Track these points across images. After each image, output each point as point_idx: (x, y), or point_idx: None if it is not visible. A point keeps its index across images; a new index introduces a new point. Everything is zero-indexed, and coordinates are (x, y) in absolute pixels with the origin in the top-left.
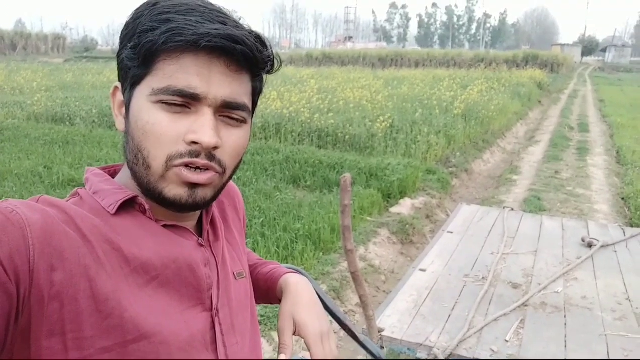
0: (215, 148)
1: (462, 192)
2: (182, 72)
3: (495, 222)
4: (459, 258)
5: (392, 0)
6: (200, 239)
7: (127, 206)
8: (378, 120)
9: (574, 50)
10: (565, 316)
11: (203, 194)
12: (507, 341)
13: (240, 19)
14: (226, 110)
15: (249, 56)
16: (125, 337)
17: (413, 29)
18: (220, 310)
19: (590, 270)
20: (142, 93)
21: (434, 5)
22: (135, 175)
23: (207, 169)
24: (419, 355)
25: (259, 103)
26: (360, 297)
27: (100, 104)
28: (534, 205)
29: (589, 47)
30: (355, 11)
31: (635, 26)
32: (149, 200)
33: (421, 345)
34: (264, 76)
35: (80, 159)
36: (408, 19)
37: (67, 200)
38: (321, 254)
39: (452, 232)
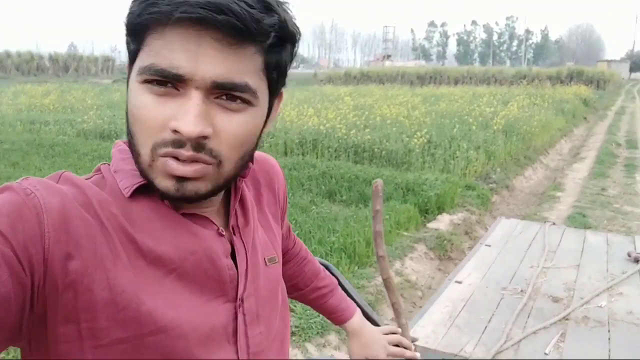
0: (204, 137)
1: (502, 209)
2: (167, 49)
3: (535, 235)
4: (496, 271)
5: (430, 19)
6: (220, 228)
7: (145, 190)
8: (415, 136)
9: (621, 66)
10: (609, 331)
11: (193, 187)
12: (546, 354)
13: None
14: (221, 92)
15: (238, 27)
16: (141, 329)
17: (452, 47)
18: (245, 300)
19: (636, 285)
20: (133, 72)
21: (473, 22)
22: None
23: (195, 161)
24: None
25: (297, 114)
26: (393, 305)
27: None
28: (578, 222)
29: (637, 63)
30: (393, 30)
31: None
32: None
33: (456, 355)
34: (291, 47)
35: None
36: (447, 37)
37: (90, 178)
38: (356, 267)
39: (489, 245)
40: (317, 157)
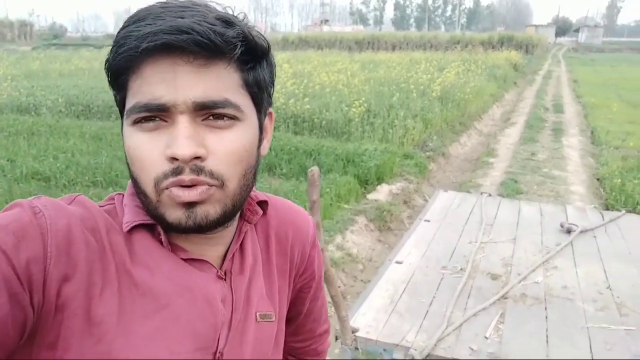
0: (199, 158)
1: (439, 176)
2: (145, 84)
3: (472, 208)
4: (436, 248)
5: None
6: (219, 271)
7: (147, 228)
8: (354, 105)
9: (547, 31)
10: (546, 308)
11: (203, 212)
12: (486, 338)
13: (225, 9)
14: (206, 112)
15: (203, 43)
16: None
17: (389, 12)
18: (225, 354)
19: (570, 257)
20: (124, 119)
21: None
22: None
23: (197, 185)
24: (395, 356)
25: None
26: (332, 298)
27: (67, 93)
28: (510, 188)
29: (562, 28)
30: None
31: (606, 7)
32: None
33: (397, 345)
34: (268, 65)
35: (45, 151)
36: (384, 2)
37: (103, 206)
38: None
39: (429, 221)
40: None
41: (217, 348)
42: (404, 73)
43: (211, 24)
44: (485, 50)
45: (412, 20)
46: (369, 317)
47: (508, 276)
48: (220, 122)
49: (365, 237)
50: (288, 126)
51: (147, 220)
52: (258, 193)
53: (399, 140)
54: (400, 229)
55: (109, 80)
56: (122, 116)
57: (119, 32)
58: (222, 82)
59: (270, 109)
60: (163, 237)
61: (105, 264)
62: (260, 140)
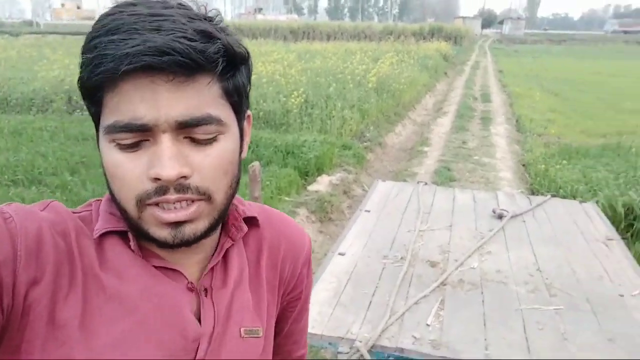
0: (184, 177)
1: (377, 166)
2: (125, 102)
3: (410, 197)
4: (377, 238)
5: None
6: (190, 283)
7: (119, 234)
8: (292, 96)
9: (474, 23)
10: (482, 293)
11: (191, 230)
12: (428, 325)
13: (202, 7)
14: (188, 130)
15: (185, 63)
16: None
17: (323, 1)
18: None
19: (502, 242)
20: (101, 131)
21: None
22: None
23: (185, 202)
24: (340, 349)
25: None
26: None
27: None
28: (444, 175)
29: (487, 20)
30: None
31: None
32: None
33: (343, 338)
34: (245, 68)
35: None
36: None
37: (79, 212)
38: None
39: (369, 211)
40: None
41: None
42: (340, 63)
43: (191, 40)
44: (417, 41)
45: (346, 10)
46: (314, 311)
47: (446, 263)
48: (203, 138)
49: (307, 229)
50: None
51: (118, 227)
52: (248, 207)
53: (337, 131)
54: (340, 220)
55: (81, 94)
56: (96, 128)
57: (89, 42)
58: (202, 97)
59: (249, 111)
60: (133, 245)
61: (73, 268)
62: (241, 147)
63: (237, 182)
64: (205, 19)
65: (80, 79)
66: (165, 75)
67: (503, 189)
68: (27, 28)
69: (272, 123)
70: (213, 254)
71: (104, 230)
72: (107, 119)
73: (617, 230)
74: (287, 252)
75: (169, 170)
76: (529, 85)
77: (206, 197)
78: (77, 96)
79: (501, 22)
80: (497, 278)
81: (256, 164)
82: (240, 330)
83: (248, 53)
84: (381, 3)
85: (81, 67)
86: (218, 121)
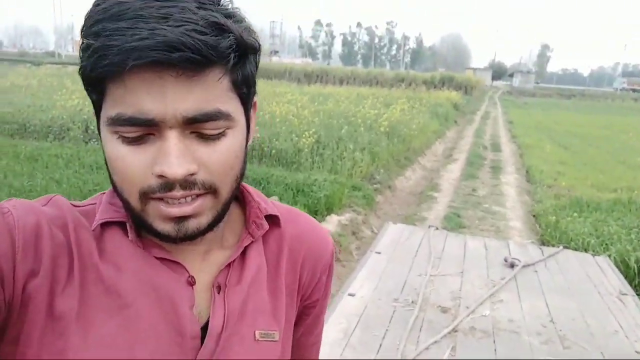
0: (191, 174)
1: (386, 209)
2: (130, 95)
3: (421, 241)
4: (388, 281)
5: (317, 17)
6: (191, 277)
7: (119, 225)
8: (304, 135)
9: (485, 74)
10: (494, 341)
11: (195, 224)
12: None
13: None
14: (196, 126)
15: (195, 59)
16: None
17: (337, 47)
18: None
19: (514, 291)
20: (102, 121)
21: (359, 24)
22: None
23: (190, 197)
24: None
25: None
26: None
27: (1, 110)
28: (454, 222)
29: (498, 72)
30: (280, 26)
31: (537, 55)
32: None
33: None
34: (254, 57)
35: None
36: (333, 37)
37: (84, 206)
38: None
39: (380, 253)
40: None
41: (197, 359)
42: (352, 107)
43: (202, 34)
44: (428, 89)
45: (359, 56)
46: (323, 350)
47: (457, 309)
48: (210, 133)
49: None
50: None
51: (117, 217)
52: (270, 205)
53: (347, 172)
54: (348, 261)
55: (82, 81)
56: (97, 116)
57: (91, 26)
58: (212, 92)
59: (255, 98)
60: (131, 236)
61: (71, 260)
62: (247, 135)
63: (243, 173)
64: (214, 3)
65: (82, 68)
66: (174, 70)
67: (513, 238)
68: (49, 58)
69: (284, 161)
70: (219, 249)
71: (102, 221)
72: (110, 110)
73: (630, 285)
74: (308, 256)
75: (176, 168)
76: (539, 137)
77: (212, 191)
78: (93, 125)
79: (511, 75)
80: (510, 327)
81: (275, 198)
82: (254, 333)
83: (259, 43)
84: (394, 51)
85: (82, 51)
86: (227, 116)
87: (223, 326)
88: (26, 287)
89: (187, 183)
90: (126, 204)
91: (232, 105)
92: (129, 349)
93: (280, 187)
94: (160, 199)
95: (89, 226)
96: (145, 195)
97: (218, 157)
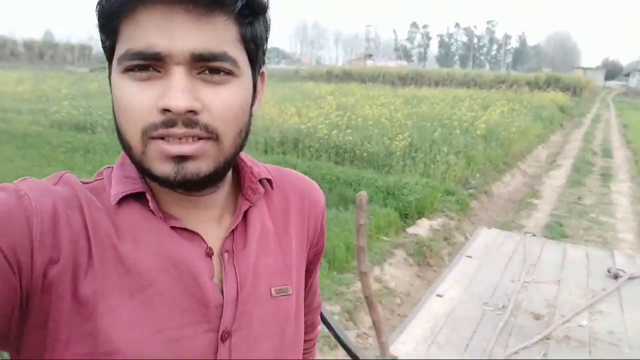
0: (193, 112)
1: (481, 215)
2: (140, 30)
3: (516, 247)
4: (478, 284)
5: (413, 19)
6: (209, 248)
7: (137, 198)
8: (397, 139)
9: (596, 74)
10: (590, 352)
11: (194, 167)
12: None
13: None
14: (202, 65)
15: None
16: (96, 348)
17: (433, 49)
18: (234, 333)
19: (616, 303)
20: (114, 67)
21: (457, 25)
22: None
23: (192, 139)
24: None
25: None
26: (374, 323)
27: None
28: (555, 231)
29: (612, 71)
30: (375, 30)
31: None
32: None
33: None
34: (264, 20)
35: (100, 167)
36: (429, 39)
37: (91, 182)
38: (335, 272)
39: (471, 257)
40: (297, 157)
41: (220, 326)
42: (447, 109)
43: None
44: (531, 91)
45: (456, 57)
46: (409, 346)
47: (551, 317)
48: (216, 77)
49: (403, 271)
50: (330, 156)
51: (135, 189)
52: (262, 168)
53: (440, 176)
54: (439, 266)
55: (98, 25)
56: (109, 63)
57: None
58: (219, 34)
59: (263, 68)
60: (152, 205)
61: (89, 243)
62: (253, 99)
63: (247, 134)
64: None
65: (98, 6)
66: (184, 5)
67: (623, 251)
68: None
69: (375, 164)
70: (230, 215)
71: (122, 195)
72: (120, 49)
73: None
74: (311, 209)
75: (179, 101)
76: None
77: (214, 136)
78: None
79: (627, 75)
80: (609, 339)
81: (363, 193)
82: (270, 290)
83: (268, 3)
84: (494, 52)
85: None
86: (234, 62)
87: (237, 290)
88: (47, 274)
89: (189, 121)
90: (128, 149)
91: (239, 55)
92: (155, 325)
93: (371, 189)
94: (162, 138)
95: (101, 205)
96: (147, 134)
97: (222, 102)
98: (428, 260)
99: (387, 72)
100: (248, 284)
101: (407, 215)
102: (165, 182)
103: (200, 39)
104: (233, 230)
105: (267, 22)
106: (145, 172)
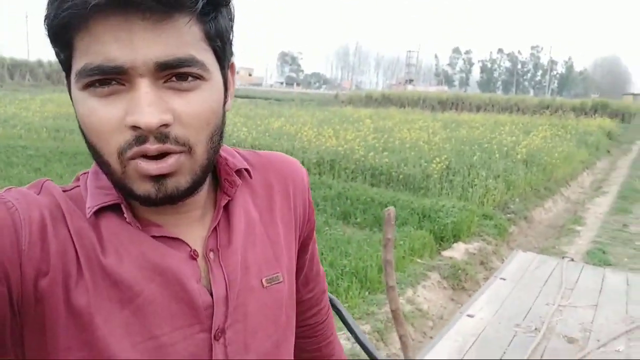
0: (165, 125)
1: (520, 240)
2: (96, 43)
3: (552, 271)
4: (510, 306)
5: (455, 45)
6: (193, 250)
7: (112, 208)
8: (434, 161)
9: None
10: None
11: (174, 183)
12: None
13: None
14: (168, 73)
15: None
16: (97, 355)
17: (475, 74)
18: (228, 329)
19: None
20: (72, 81)
21: (500, 50)
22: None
23: (166, 154)
24: None
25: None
26: (400, 337)
27: None
28: (598, 258)
29: None
30: (417, 55)
31: None
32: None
33: None
34: (227, 11)
35: None
36: (471, 64)
37: (70, 189)
38: (367, 292)
39: (504, 279)
40: (333, 178)
41: (212, 326)
42: (488, 134)
43: None
44: (577, 117)
45: (499, 83)
46: None
47: (586, 342)
48: (184, 84)
49: (437, 294)
50: (365, 178)
51: (109, 201)
52: (238, 158)
53: (478, 200)
54: (474, 290)
55: (49, 37)
56: (67, 77)
57: None
58: (183, 38)
59: (232, 59)
60: (128, 217)
61: (76, 255)
62: (225, 97)
63: (221, 136)
64: None
65: (46, 18)
66: (141, 12)
67: None
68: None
69: (411, 186)
70: (211, 213)
71: (96, 208)
72: (77, 64)
73: None
74: (296, 190)
75: (149, 117)
76: None
77: (187, 148)
78: None
79: None
80: None
81: (391, 208)
82: (262, 281)
83: None
84: (538, 77)
85: (47, 4)
86: (202, 65)
87: (227, 289)
88: (38, 285)
89: (161, 135)
90: (107, 167)
91: (206, 57)
92: (148, 333)
93: (406, 211)
94: (137, 156)
95: (82, 214)
96: (123, 154)
97: (193, 109)
98: (463, 284)
99: (427, 97)
100: (237, 279)
101: (443, 239)
102: (147, 201)
103: (163, 46)
104: (215, 228)
105: (230, 11)
106: (126, 191)
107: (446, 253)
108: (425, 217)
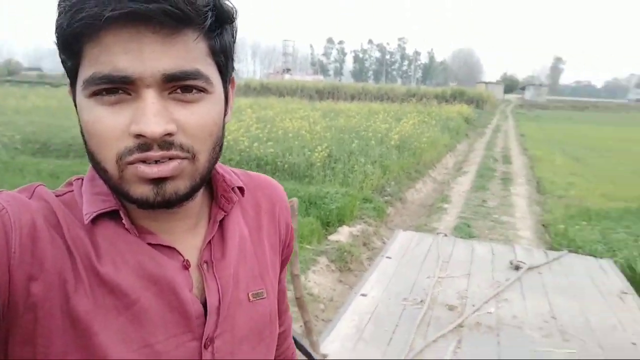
0: (169, 135)
1: (396, 220)
2: (106, 53)
3: (430, 247)
4: (397, 282)
5: (329, 35)
6: (186, 260)
7: (109, 215)
8: (316, 150)
9: (496, 88)
10: (498, 335)
11: (173, 187)
12: None
13: None
14: (174, 85)
15: (173, 13)
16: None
17: (349, 64)
18: (217, 339)
19: (518, 291)
20: (78, 90)
21: (370, 41)
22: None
23: (169, 159)
24: None
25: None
26: (305, 323)
27: (23, 130)
28: (464, 232)
29: (510, 86)
30: (293, 44)
31: (550, 67)
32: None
33: None
34: (231, 28)
35: None
36: (344, 54)
37: (62, 194)
38: None
39: (390, 258)
40: None
41: (203, 335)
42: (364, 122)
43: None
44: (439, 104)
45: (370, 72)
46: (337, 344)
47: (463, 307)
48: (189, 96)
49: (326, 278)
50: (251, 168)
51: (108, 207)
52: (234, 176)
53: (358, 185)
54: (360, 270)
55: (58, 45)
56: (72, 85)
57: None
58: (190, 52)
59: (233, 74)
60: (127, 223)
61: (72, 260)
62: (225, 110)
63: (221, 147)
64: None
65: (58, 27)
66: (152, 26)
67: (522, 246)
68: (67, 80)
69: (296, 175)
70: (204, 225)
71: (94, 215)
72: (85, 72)
73: (635, 290)
74: (281, 212)
75: (154, 126)
76: (550, 149)
77: (190, 155)
78: None
79: (523, 88)
80: (513, 323)
81: (294, 199)
82: (248, 295)
83: (236, 10)
84: (405, 67)
85: (59, 14)
86: (206, 79)
87: (220, 300)
88: (30, 291)
89: (165, 143)
90: (103, 172)
91: (210, 71)
92: (144, 340)
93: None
94: (138, 162)
95: (76, 220)
96: (122, 160)
97: (197, 120)
98: (349, 265)
99: (305, 86)
100: (229, 291)
101: (329, 224)
102: (144, 204)
103: (170, 59)
104: (210, 241)
105: (234, 28)
106: (122, 195)
107: (332, 237)
108: (311, 204)
